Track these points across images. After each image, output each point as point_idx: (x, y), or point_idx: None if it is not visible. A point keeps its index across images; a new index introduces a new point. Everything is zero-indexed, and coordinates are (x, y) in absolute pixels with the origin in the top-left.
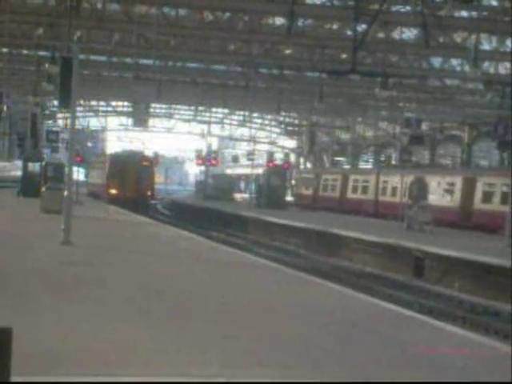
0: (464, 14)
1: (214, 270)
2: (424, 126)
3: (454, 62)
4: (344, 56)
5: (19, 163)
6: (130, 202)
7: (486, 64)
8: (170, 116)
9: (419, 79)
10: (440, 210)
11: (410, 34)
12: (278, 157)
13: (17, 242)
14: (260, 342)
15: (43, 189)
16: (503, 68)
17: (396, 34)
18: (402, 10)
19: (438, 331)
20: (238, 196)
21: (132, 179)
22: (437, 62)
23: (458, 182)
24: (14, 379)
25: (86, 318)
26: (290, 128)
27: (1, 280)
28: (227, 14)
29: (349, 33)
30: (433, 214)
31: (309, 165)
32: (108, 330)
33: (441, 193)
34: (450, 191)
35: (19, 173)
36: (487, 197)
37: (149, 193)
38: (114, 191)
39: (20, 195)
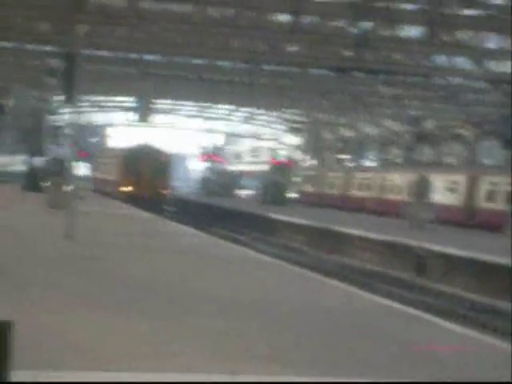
0: (469, 12)
1: (217, 267)
2: (428, 125)
3: (458, 59)
4: (348, 53)
5: (23, 158)
6: (145, 200)
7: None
8: (174, 112)
9: (423, 77)
10: (443, 208)
11: (414, 31)
12: (282, 154)
13: (19, 235)
14: (262, 337)
15: (47, 184)
16: (507, 66)
17: (401, 32)
18: (407, 7)
19: (439, 329)
20: (241, 192)
21: (147, 176)
22: (441, 59)
23: (462, 180)
24: (14, 379)
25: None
26: (294, 125)
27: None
28: (232, 11)
29: (353, 30)
30: (436, 212)
31: (312, 162)
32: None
33: (444, 191)
34: (453, 190)
35: (23, 167)
36: (491, 195)
37: (165, 191)
38: (127, 188)
39: (25, 190)
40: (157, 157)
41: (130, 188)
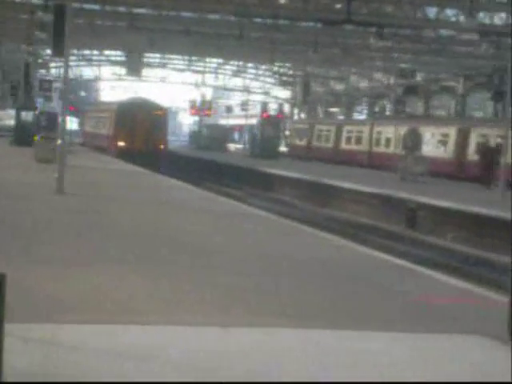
0: None
1: (208, 220)
2: (418, 77)
3: (449, 12)
4: (339, 6)
5: (12, 112)
6: (141, 156)
7: (481, 15)
8: (163, 66)
9: (414, 30)
10: (434, 161)
11: None
12: (272, 107)
13: (10, 190)
14: (254, 290)
15: (36, 138)
16: (499, 18)
17: None
18: None
19: (433, 281)
20: (231, 146)
21: (143, 130)
22: (432, 12)
23: (452, 133)
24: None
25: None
26: (284, 78)
27: None
28: None
29: None
30: (427, 164)
31: (302, 115)
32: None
33: (435, 144)
34: (443, 142)
35: (12, 122)
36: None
37: (162, 146)
38: (122, 143)
39: (13, 144)
40: (152, 110)
41: (123, 143)
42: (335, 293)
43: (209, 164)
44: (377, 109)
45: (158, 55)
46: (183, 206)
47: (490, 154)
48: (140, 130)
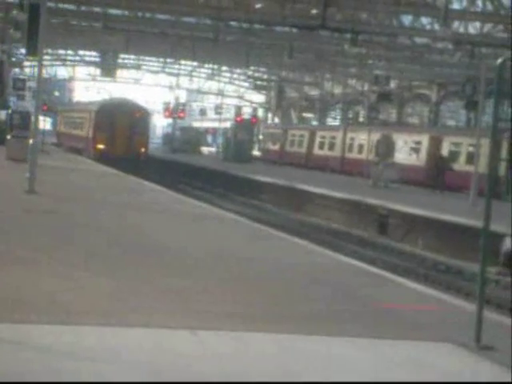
0: None
1: (179, 222)
2: (392, 84)
3: (424, 20)
4: (314, 11)
5: None
6: (121, 159)
7: (455, 23)
8: (138, 67)
9: (389, 37)
10: (406, 168)
11: None
12: (246, 111)
13: None
14: (223, 293)
15: (8, 137)
16: (473, 28)
17: None
18: None
19: (401, 287)
20: (205, 149)
21: (124, 132)
22: (407, 20)
23: (425, 140)
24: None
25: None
26: (258, 82)
27: None
28: None
29: None
30: (399, 172)
31: (276, 120)
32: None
33: (407, 151)
34: (416, 150)
35: None
36: (453, 156)
37: (143, 149)
38: (101, 146)
39: None
40: (134, 111)
41: (103, 145)
42: (296, 296)
43: (182, 167)
44: (350, 115)
45: (132, 56)
46: (152, 208)
47: (440, 162)
48: (121, 132)
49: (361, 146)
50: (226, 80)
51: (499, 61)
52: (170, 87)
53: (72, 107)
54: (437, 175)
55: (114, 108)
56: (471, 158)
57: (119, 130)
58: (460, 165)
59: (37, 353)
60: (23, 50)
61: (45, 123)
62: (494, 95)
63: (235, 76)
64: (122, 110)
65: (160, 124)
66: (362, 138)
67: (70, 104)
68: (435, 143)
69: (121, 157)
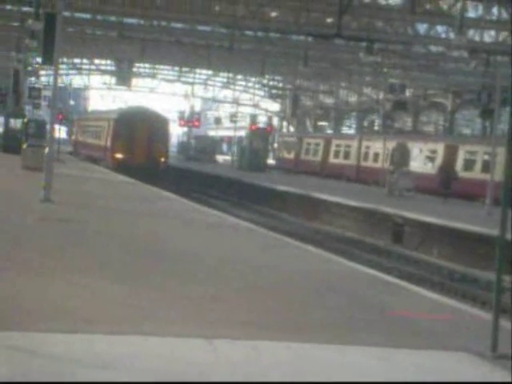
0: None
1: (193, 230)
2: (408, 93)
3: (440, 28)
4: (329, 20)
5: (1, 119)
6: (140, 169)
7: (471, 32)
8: (153, 76)
9: (404, 45)
10: (421, 176)
11: None
12: (261, 120)
13: None
14: (238, 301)
15: (24, 146)
16: (488, 36)
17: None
18: None
19: (416, 296)
20: (220, 158)
21: (143, 142)
22: (422, 28)
23: (440, 149)
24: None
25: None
26: (273, 91)
27: None
28: None
29: None
30: (414, 180)
31: (291, 128)
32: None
33: (422, 160)
34: (431, 158)
35: (1, 129)
36: (469, 165)
37: (163, 159)
38: (120, 155)
39: (1, 151)
40: (154, 120)
41: (122, 155)
42: (311, 304)
43: (196, 175)
44: (366, 123)
45: (147, 65)
46: (168, 216)
47: (446, 170)
48: (140, 141)
49: (376, 155)
50: (241, 88)
51: None
52: (185, 96)
53: (89, 116)
54: (443, 183)
55: (133, 116)
56: (487, 167)
57: (138, 139)
58: (476, 173)
59: (49, 361)
60: (39, 59)
61: (60, 132)
62: (510, 103)
63: (250, 84)
64: (142, 119)
65: (175, 133)
66: (377, 146)
67: (86, 112)
68: (450, 152)
69: (140, 167)
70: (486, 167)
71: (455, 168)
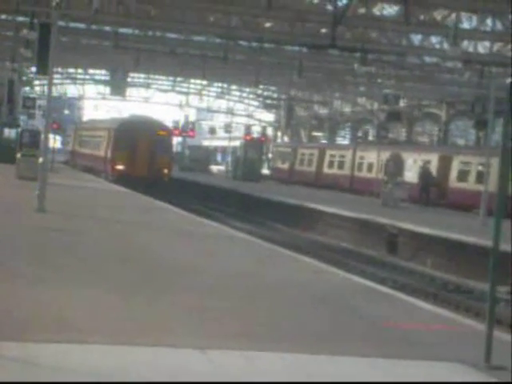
0: None
1: (187, 241)
2: (402, 103)
3: (434, 39)
4: (324, 30)
5: None
6: (142, 181)
7: (465, 43)
8: (147, 86)
9: (398, 56)
10: (416, 187)
11: (390, 10)
12: (256, 130)
13: None
14: (232, 312)
15: (19, 155)
16: (482, 47)
17: (376, 10)
18: None
19: (410, 307)
20: (214, 168)
21: (145, 153)
22: (416, 39)
23: (434, 159)
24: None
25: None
26: (268, 101)
27: None
28: None
29: (329, 7)
30: (408, 190)
31: (286, 139)
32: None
33: (417, 170)
34: None
35: None
36: (463, 175)
37: (165, 170)
38: (120, 167)
39: None
40: (156, 130)
41: (122, 166)
42: (305, 315)
43: (191, 185)
44: (360, 134)
45: (142, 75)
46: (162, 227)
47: (424, 177)
48: (142, 151)
49: (370, 165)
50: (236, 99)
51: (511, 79)
52: (180, 106)
53: (87, 125)
54: (422, 190)
55: (134, 126)
56: (481, 177)
57: (140, 149)
58: (469, 184)
59: (46, 371)
60: (33, 69)
61: (55, 142)
62: (504, 114)
63: (245, 95)
64: (144, 129)
65: None
66: (371, 156)
67: (83, 121)
68: (445, 162)
69: (142, 178)
70: (480, 178)
71: (434, 175)
